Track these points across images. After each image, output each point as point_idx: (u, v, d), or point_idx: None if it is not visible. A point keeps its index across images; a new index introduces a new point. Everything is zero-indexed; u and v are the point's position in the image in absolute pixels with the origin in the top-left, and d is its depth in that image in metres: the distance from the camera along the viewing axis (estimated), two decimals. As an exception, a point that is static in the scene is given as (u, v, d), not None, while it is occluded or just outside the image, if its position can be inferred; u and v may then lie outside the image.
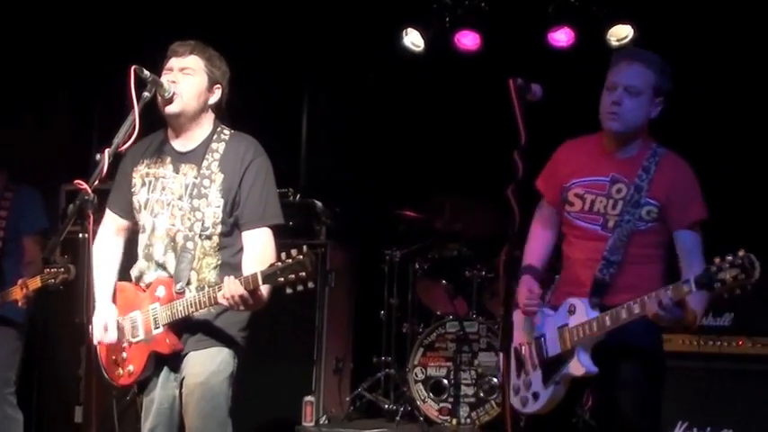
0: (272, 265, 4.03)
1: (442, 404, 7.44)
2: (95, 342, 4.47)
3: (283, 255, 4.02)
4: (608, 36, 7.86)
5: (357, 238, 8.25)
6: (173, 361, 4.45)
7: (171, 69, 4.48)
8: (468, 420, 7.31)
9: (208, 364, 4.38)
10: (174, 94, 4.40)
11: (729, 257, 3.81)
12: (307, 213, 7.65)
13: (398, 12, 8.28)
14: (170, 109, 4.43)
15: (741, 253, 3.80)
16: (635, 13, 7.77)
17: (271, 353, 7.02)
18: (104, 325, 4.46)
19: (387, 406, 7.71)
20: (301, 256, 3.95)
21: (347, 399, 7.83)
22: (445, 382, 7.47)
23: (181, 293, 4.35)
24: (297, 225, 7.40)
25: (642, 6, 7.74)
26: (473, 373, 7.39)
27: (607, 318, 4.18)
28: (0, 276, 6.21)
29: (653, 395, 4.38)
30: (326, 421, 7.48)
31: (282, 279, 3.98)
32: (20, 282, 5.87)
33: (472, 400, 7.35)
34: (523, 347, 4.56)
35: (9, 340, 6.27)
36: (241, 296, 4.10)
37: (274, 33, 8.31)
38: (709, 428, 5.87)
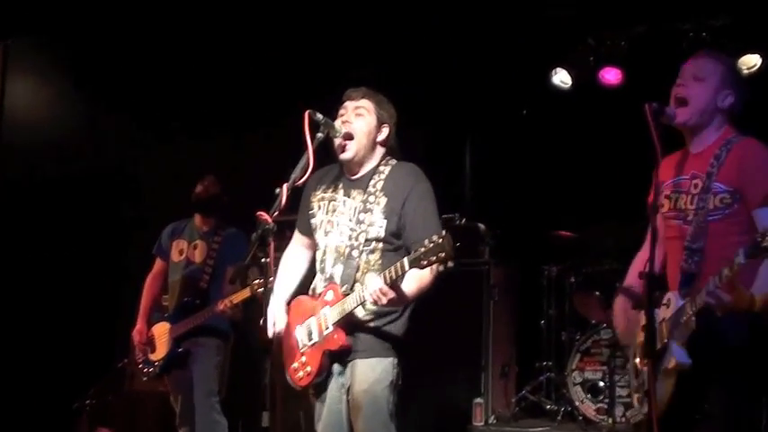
0: (415, 251, 3.98)
1: (598, 404, 7.30)
2: (269, 335, 4.47)
3: (426, 241, 3.95)
4: (738, 65, 7.46)
5: (517, 257, 8.17)
6: (342, 361, 4.41)
7: (345, 110, 4.51)
8: (623, 419, 7.05)
9: (370, 374, 4.35)
10: (346, 134, 4.40)
11: None
12: (471, 235, 7.57)
13: (549, 53, 8.26)
14: (344, 156, 4.46)
15: None
16: (762, 43, 7.55)
17: (444, 361, 7.00)
18: (273, 320, 4.49)
19: (548, 406, 7.67)
20: (440, 240, 3.89)
21: (513, 400, 7.77)
22: (601, 384, 7.35)
23: (347, 294, 4.33)
24: (462, 246, 7.13)
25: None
26: (626, 376, 7.15)
27: (687, 305, 3.73)
28: (207, 296, 6.31)
29: (746, 408, 3.77)
30: (494, 421, 7.43)
31: (425, 261, 3.93)
32: (221, 301, 5.98)
33: (627, 400, 7.01)
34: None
35: (212, 354, 6.31)
36: (380, 289, 4.06)
37: (443, 78, 8.33)
38: None
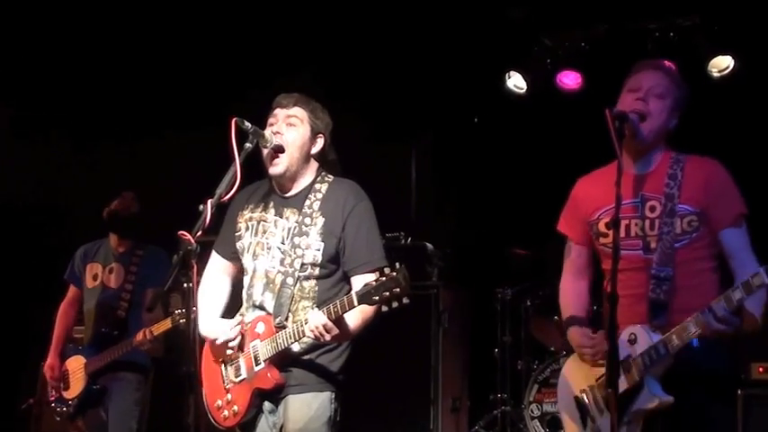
0: (366, 285, 3.92)
1: (558, 440, 7.08)
2: (221, 341, 4.32)
3: (377, 274, 3.94)
4: (709, 67, 7.52)
5: (469, 278, 8.06)
6: (273, 397, 4.34)
7: (276, 119, 4.41)
8: (585, 456, 6.88)
9: (305, 410, 4.29)
10: (277, 146, 4.30)
11: None
12: (418, 256, 7.42)
13: (502, 55, 8.13)
14: (274, 171, 4.36)
15: None
16: (735, 44, 7.43)
17: (389, 394, 6.96)
18: (222, 331, 4.34)
19: (504, 443, 7.52)
20: (395, 273, 3.84)
21: (465, 437, 7.58)
22: (561, 418, 7.08)
23: (280, 327, 4.25)
24: (408, 267, 7.11)
25: (741, 38, 7.42)
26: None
27: (674, 336, 3.73)
28: (126, 325, 6.17)
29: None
30: (445, 459, 7.28)
31: (377, 297, 3.86)
32: (141, 331, 5.84)
33: (589, 435, 6.90)
34: (584, 395, 4.09)
35: (131, 390, 6.19)
36: (324, 325, 4.01)
37: (384, 82, 8.22)
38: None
